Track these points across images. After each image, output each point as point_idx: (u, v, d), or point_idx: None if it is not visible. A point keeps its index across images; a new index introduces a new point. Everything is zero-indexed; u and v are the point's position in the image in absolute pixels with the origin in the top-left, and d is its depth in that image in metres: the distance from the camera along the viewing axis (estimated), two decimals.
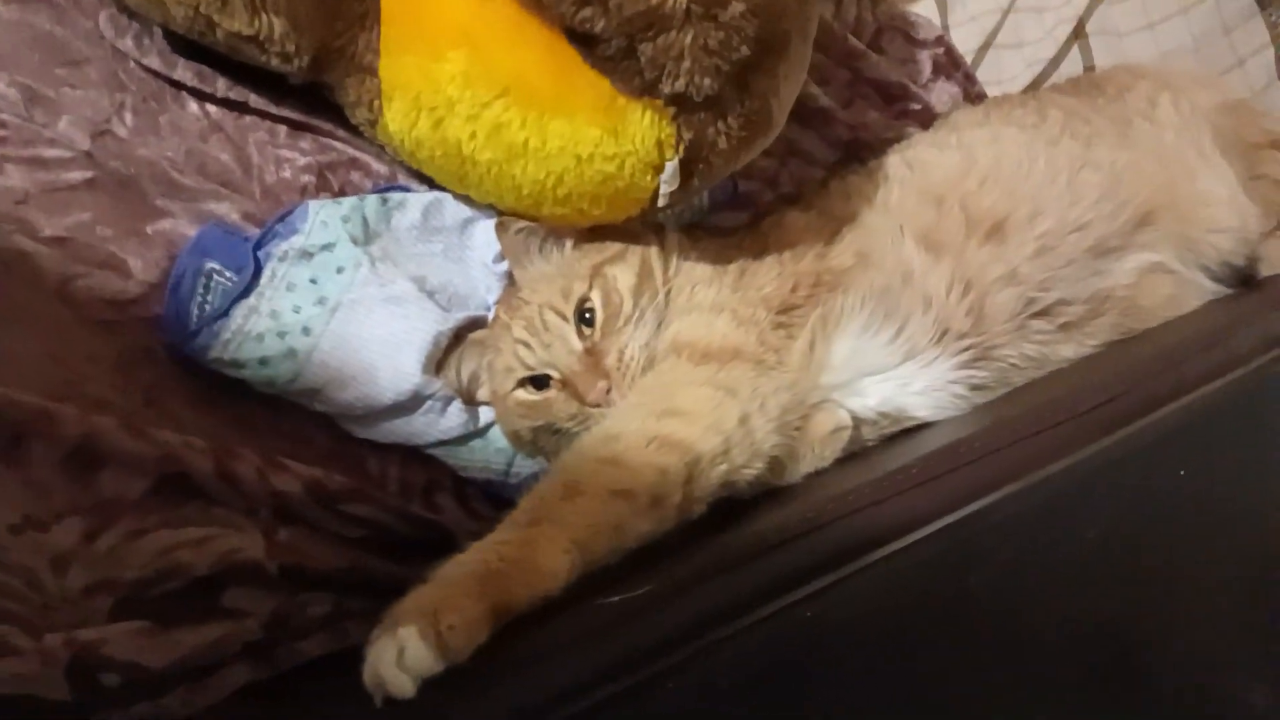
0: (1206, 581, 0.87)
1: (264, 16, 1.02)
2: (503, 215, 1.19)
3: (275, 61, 1.07)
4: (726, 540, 0.89)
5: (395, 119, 1.09)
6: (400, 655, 0.73)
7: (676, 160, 1.02)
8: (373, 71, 1.07)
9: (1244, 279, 1.43)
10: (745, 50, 0.94)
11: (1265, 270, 1.44)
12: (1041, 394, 1.14)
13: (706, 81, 0.95)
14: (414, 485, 1.17)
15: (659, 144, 1.01)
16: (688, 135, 1.01)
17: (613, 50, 0.95)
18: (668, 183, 1.04)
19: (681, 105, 0.99)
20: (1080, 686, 0.80)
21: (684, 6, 0.90)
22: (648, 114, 1.00)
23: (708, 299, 1.15)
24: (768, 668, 0.71)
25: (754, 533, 0.87)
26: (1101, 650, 0.81)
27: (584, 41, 0.97)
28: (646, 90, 0.98)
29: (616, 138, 1.01)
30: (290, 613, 1.05)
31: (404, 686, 0.73)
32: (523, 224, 1.17)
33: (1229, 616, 0.88)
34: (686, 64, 0.93)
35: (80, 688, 0.91)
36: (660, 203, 1.07)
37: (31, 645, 0.90)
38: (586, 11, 0.92)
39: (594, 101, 1.00)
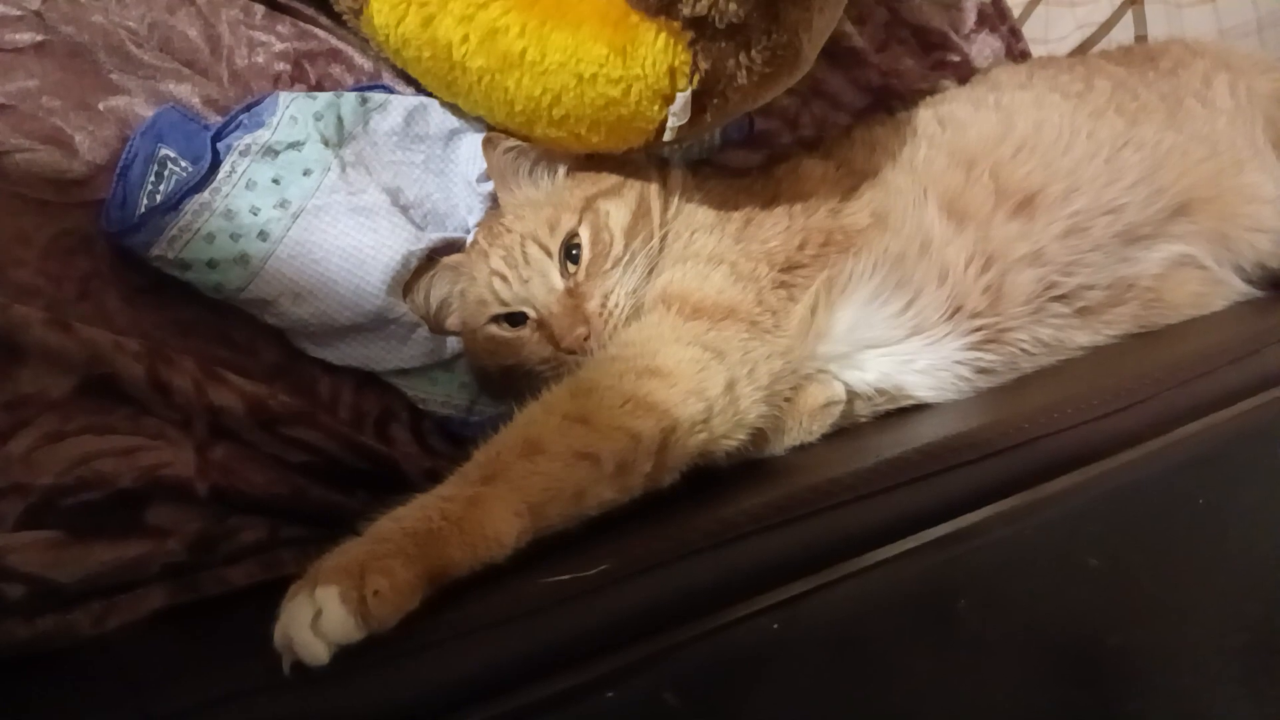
0: (1212, 622, 0.80)
1: None
2: (492, 130, 1.08)
3: None
4: (694, 521, 0.81)
5: (381, 11, 0.98)
6: (317, 618, 0.65)
7: (689, 92, 0.92)
8: None
9: (1275, 281, 1.34)
10: None
11: None
12: (1052, 391, 1.06)
13: (732, 7, 0.84)
14: (367, 413, 1.08)
15: (671, 72, 0.91)
16: (704, 65, 0.90)
17: None
18: (677, 115, 0.94)
19: (701, 30, 0.88)
20: None
21: None
22: (662, 36, 0.89)
23: (707, 248, 1.05)
24: (720, 687, 0.63)
25: (724, 516, 0.79)
26: (1092, 687, 0.73)
27: None
28: (663, 10, 0.87)
29: (624, 59, 0.91)
30: (218, 536, 0.98)
31: (317, 653, 0.65)
32: (513, 142, 1.06)
33: (1231, 658, 0.81)
34: None
35: None
36: (666, 136, 0.97)
37: None
38: None
39: (603, 14, 0.90)
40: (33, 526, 0.89)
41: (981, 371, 1.12)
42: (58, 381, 0.91)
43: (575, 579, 0.72)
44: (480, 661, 0.69)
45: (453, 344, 1.11)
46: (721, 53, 0.89)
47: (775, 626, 0.65)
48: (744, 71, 0.90)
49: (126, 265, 0.98)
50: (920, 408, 1.12)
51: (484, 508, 0.76)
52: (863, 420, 1.11)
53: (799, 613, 0.66)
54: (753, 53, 0.89)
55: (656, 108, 0.94)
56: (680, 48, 0.90)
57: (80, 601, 0.90)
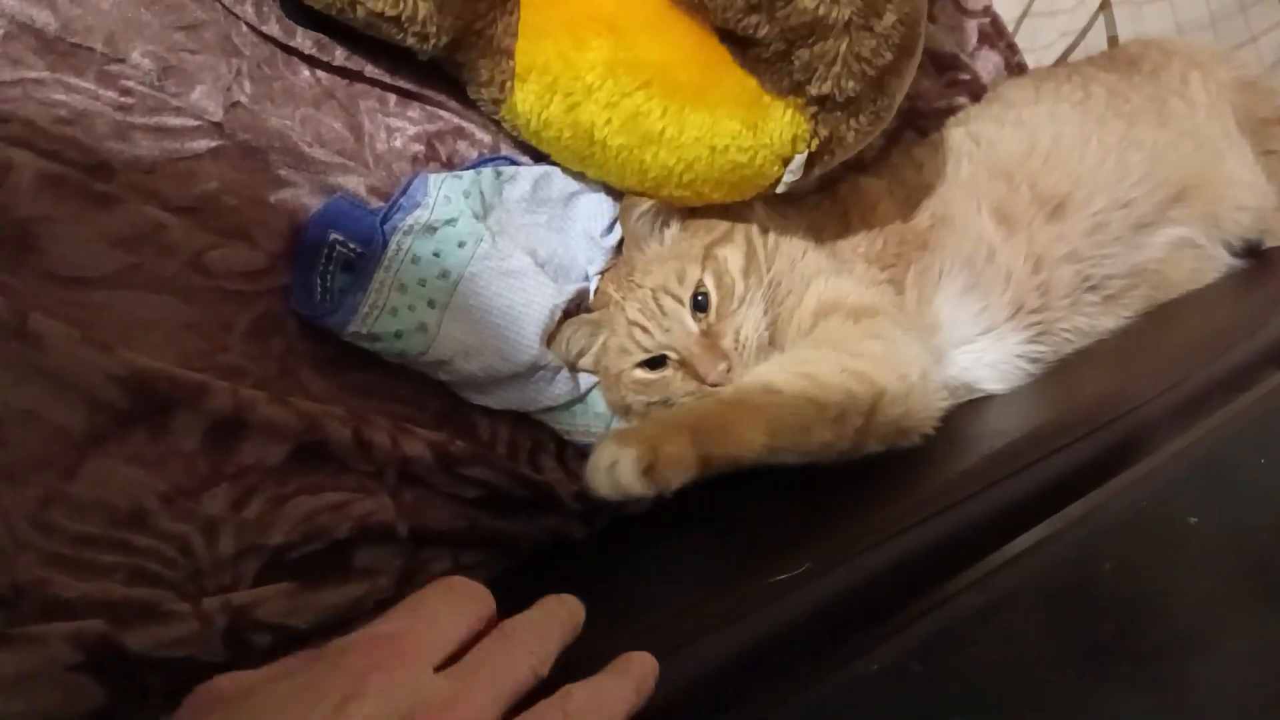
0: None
1: None
2: (618, 198, 1.22)
3: (411, 40, 1.07)
4: (906, 499, 0.98)
5: (526, 100, 1.10)
6: (612, 467, 0.88)
7: (806, 153, 1.07)
8: (509, 54, 1.07)
9: (1252, 249, 1.55)
10: (890, 56, 0.98)
11: (1270, 242, 1.56)
12: (1114, 370, 1.24)
13: (851, 84, 0.99)
14: (520, 447, 1.21)
15: (794, 139, 1.05)
16: (823, 132, 1.05)
17: (769, 54, 0.98)
18: (793, 173, 1.08)
19: (823, 105, 1.03)
20: None
21: (845, 18, 0.94)
22: (789, 112, 1.03)
23: (821, 263, 1.21)
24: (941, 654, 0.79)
25: (931, 489, 0.97)
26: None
27: (739, 43, 1.00)
28: (793, 90, 1.01)
29: (755, 132, 1.04)
30: (415, 569, 1.10)
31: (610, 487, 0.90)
32: (644, 206, 1.19)
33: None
34: (837, 69, 0.98)
35: (234, 649, 0.96)
36: (779, 189, 1.12)
37: (189, 610, 0.95)
38: (754, 18, 0.95)
39: (738, 97, 1.03)
40: (268, 581, 1.01)
41: (1034, 361, 1.30)
42: (273, 451, 1.02)
43: (791, 577, 0.88)
44: (711, 661, 0.83)
45: (585, 379, 1.24)
46: (837, 120, 1.04)
47: (954, 611, 0.81)
48: (853, 133, 1.05)
49: (312, 341, 1.09)
50: (986, 399, 1.29)
51: (738, 419, 0.95)
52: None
53: (976, 593, 0.82)
54: (861, 117, 1.04)
55: (776, 168, 1.08)
56: (803, 119, 1.04)
57: (309, 641, 1.02)
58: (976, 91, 1.57)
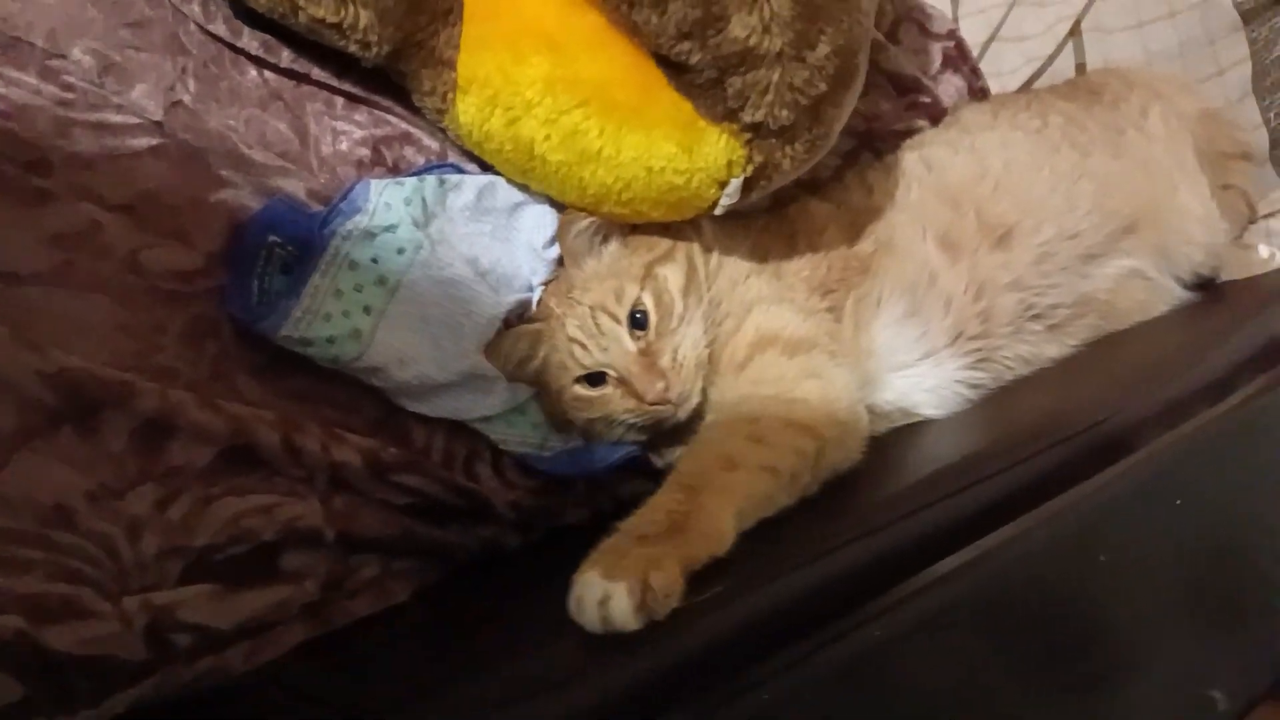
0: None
1: (351, 7, 1.02)
2: (563, 210, 1.22)
3: (354, 48, 1.08)
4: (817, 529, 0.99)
5: (468, 112, 1.11)
6: (604, 603, 0.79)
7: (742, 178, 1.07)
8: (451, 65, 1.08)
9: (1204, 283, 1.55)
10: (824, 87, 0.99)
11: (1224, 275, 1.57)
12: (1033, 408, 1.25)
13: (784, 113, 1.00)
14: (456, 456, 1.21)
15: (729, 164, 1.06)
16: (758, 159, 1.06)
17: (702, 80, 0.99)
18: (729, 197, 1.09)
19: (757, 131, 1.04)
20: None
21: (777, 48, 0.94)
22: (724, 137, 1.04)
23: (764, 291, 1.22)
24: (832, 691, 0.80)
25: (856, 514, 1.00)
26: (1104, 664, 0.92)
27: (673, 68, 1.01)
28: (727, 117, 1.02)
29: (690, 155, 1.05)
30: (343, 575, 1.11)
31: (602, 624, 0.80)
32: (582, 223, 1.19)
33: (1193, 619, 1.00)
34: (770, 98, 0.98)
35: (155, 648, 0.96)
36: (717, 211, 1.12)
37: (110, 608, 0.95)
38: (685, 45, 0.96)
39: (673, 119, 1.04)
40: (192, 581, 1.02)
41: (974, 387, 1.31)
42: (202, 452, 1.02)
43: (702, 600, 0.88)
44: (632, 676, 0.82)
45: (523, 390, 1.25)
46: (772, 147, 1.05)
47: (878, 634, 0.82)
48: (788, 160, 1.06)
49: (248, 345, 1.09)
50: (924, 424, 1.29)
51: (708, 512, 0.92)
52: (879, 434, 1.28)
53: (900, 616, 0.83)
54: (796, 145, 1.05)
55: (713, 191, 1.09)
56: (738, 145, 1.05)
57: (233, 642, 1.03)
58: (936, 115, 1.58)
